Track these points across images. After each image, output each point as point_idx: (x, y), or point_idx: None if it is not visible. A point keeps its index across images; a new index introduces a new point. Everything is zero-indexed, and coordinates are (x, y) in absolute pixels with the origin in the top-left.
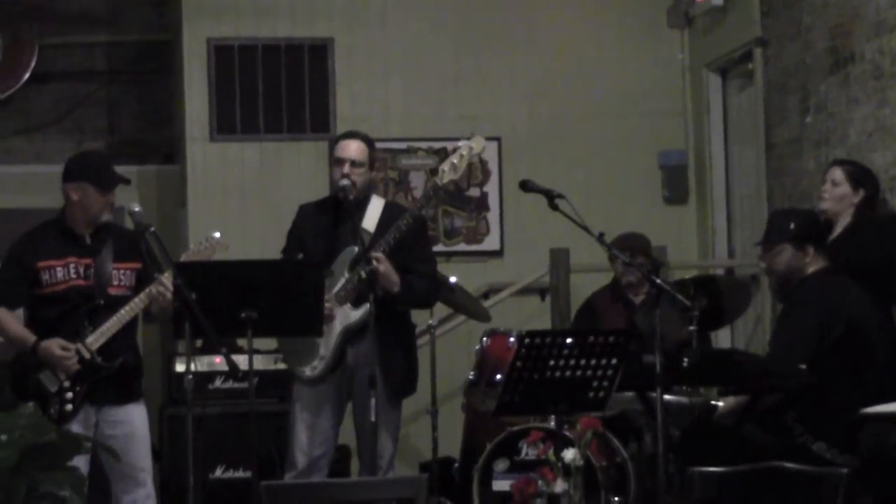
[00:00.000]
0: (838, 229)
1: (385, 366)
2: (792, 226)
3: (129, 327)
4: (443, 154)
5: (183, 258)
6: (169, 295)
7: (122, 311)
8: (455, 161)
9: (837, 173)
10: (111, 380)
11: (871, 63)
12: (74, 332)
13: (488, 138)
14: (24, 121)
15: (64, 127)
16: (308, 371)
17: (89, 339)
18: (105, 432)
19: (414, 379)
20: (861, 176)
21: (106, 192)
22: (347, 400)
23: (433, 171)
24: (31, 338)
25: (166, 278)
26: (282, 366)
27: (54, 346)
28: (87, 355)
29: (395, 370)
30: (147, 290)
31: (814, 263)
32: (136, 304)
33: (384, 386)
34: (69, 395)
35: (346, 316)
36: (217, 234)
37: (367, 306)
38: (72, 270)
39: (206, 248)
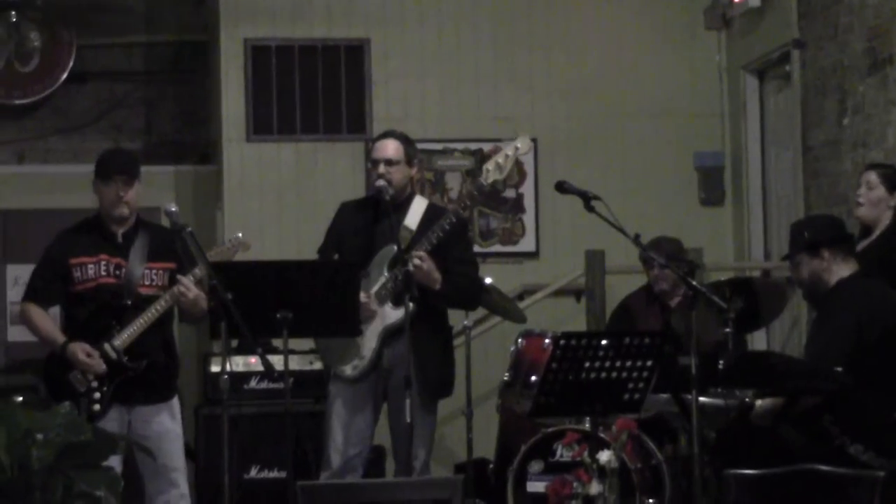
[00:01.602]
0: (877, 232)
1: (420, 367)
2: (805, 234)
3: (159, 327)
4: (479, 155)
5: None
6: (190, 295)
7: (148, 312)
8: (500, 161)
9: (872, 177)
10: (142, 380)
11: None
12: (103, 331)
13: None
14: (62, 121)
15: (101, 127)
16: (349, 370)
17: (116, 340)
18: (138, 432)
19: (450, 382)
20: None
21: (107, 183)
22: (383, 400)
23: (469, 173)
24: (60, 339)
25: (188, 279)
26: (317, 366)
27: (79, 350)
28: (113, 356)
29: (430, 372)
30: (170, 291)
31: (839, 267)
32: (160, 306)
33: (419, 388)
34: (97, 395)
35: (386, 315)
36: (239, 234)
37: (409, 304)
38: (102, 268)
39: (229, 249)
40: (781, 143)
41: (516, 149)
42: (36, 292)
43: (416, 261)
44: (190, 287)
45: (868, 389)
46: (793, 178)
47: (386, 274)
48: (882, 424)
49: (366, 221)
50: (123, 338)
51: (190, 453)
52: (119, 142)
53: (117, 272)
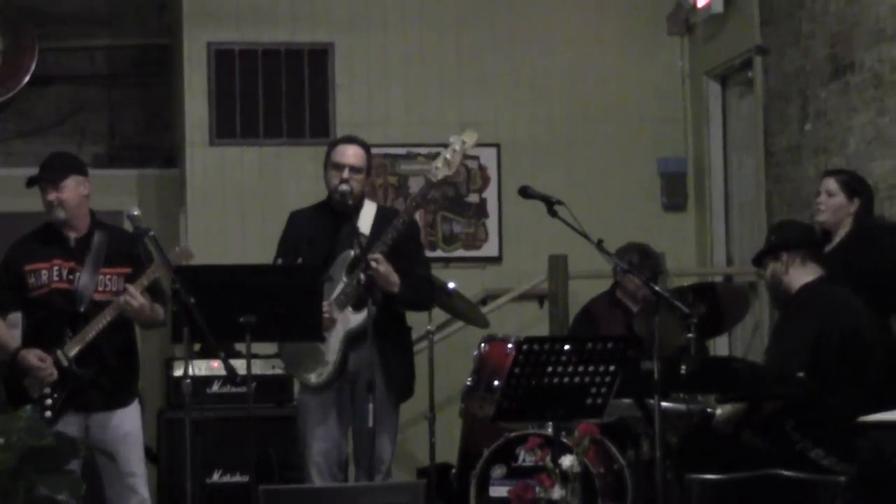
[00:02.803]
0: (837, 239)
1: (386, 370)
2: (772, 237)
3: (116, 332)
4: None
5: (151, 269)
6: (135, 304)
7: (98, 321)
8: (448, 156)
9: (831, 184)
10: (98, 386)
11: (870, 71)
12: (57, 337)
13: (488, 144)
14: (24, 124)
15: (65, 130)
16: (314, 378)
17: (68, 347)
18: (96, 437)
19: (413, 383)
20: (855, 184)
21: (41, 191)
22: (352, 405)
23: None
24: (13, 345)
25: (134, 287)
26: (279, 370)
27: (31, 356)
28: (64, 363)
29: (395, 374)
30: (116, 300)
31: (798, 271)
32: (107, 313)
33: (386, 390)
34: (48, 402)
35: (348, 320)
36: (185, 244)
37: (367, 310)
38: (55, 273)
39: (173, 258)
40: (744, 149)
41: (463, 143)
42: None
43: (374, 264)
44: (136, 296)
45: (829, 394)
46: (755, 183)
47: (345, 279)
48: (843, 429)
49: (321, 228)
50: (75, 345)
51: (153, 457)
52: (82, 145)
53: (70, 277)
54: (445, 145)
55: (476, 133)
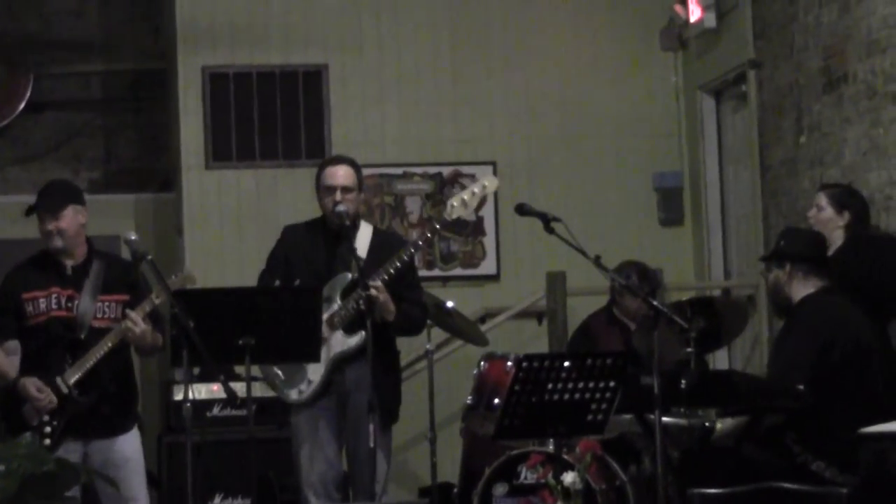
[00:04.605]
0: (830, 251)
1: (376, 391)
2: (781, 242)
3: (114, 358)
4: (438, 179)
5: (155, 293)
6: (137, 330)
7: (99, 347)
8: (466, 198)
9: (822, 198)
10: (96, 413)
11: (863, 83)
12: (56, 364)
13: (483, 163)
14: (21, 150)
15: (61, 156)
16: (294, 395)
17: (68, 374)
18: (96, 464)
19: (398, 407)
20: (844, 198)
21: (39, 220)
22: (343, 423)
23: (428, 196)
24: (12, 373)
25: (136, 314)
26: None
27: (30, 385)
28: (64, 390)
29: (386, 396)
30: (117, 326)
31: (800, 283)
32: (108, 339)
33: (379, 411)
34: (47, 429)
35: (340, 343)
36: (187, 266)
37: (361, 333)
38: (53, 301)
39: (174, 283)
40: (739, 163)
41: (484, 187)
42: None
43: (373, 292)
44: (137, 322)
45: (830, 406)
46: (751, 197)
47: (339, 301)
48: (844, 441)
49: (317, 245)
50: (75, 372)
51: (154, 482)
52: (78, 171)
53: (69, 304)
54: (441, 164)
55: (497, 180)
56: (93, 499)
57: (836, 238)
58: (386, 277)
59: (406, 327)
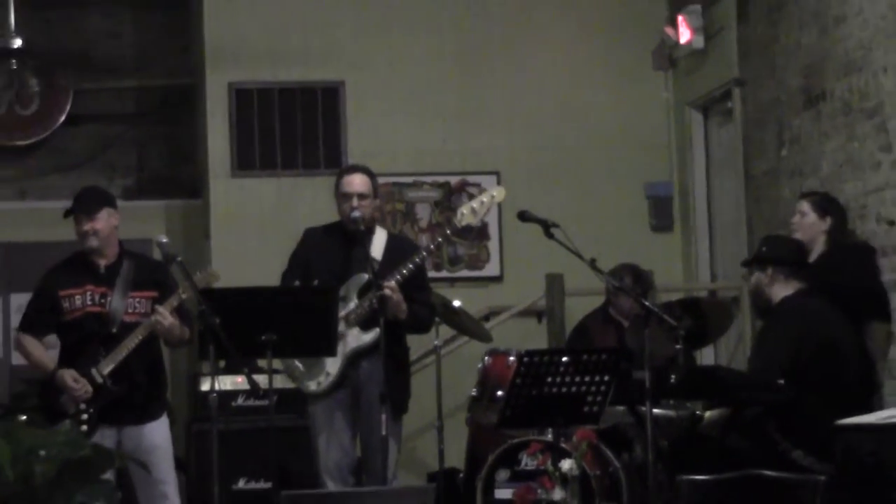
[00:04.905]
0: (813, 256)
1: (389, 384)
2: (763, 248)
3: (144, 351)
4: (447, 187)
5: (182, 289)
6: (166, 323)
7: (130, 340)
8: (475, 206)
9: (804, 205)
10: (128, 401)
11: (840, 100)
12: (91, 357)
13: (488, 172)
14: (60, 160)
15: (97, 165)
16: (313, 386)
17: (102, 365)
18: (128, 449)
19: (407, 399)
20: (826, 204)
21: (75, 222)
22: (357, 414)
23: (437, 203)
24: (50, 365)
25: (164, 308)
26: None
27: (67, 376)
28: (98, 380)
29: (397, 388)
30: (147, 320)
31: (781, 285)
32: (140, 333)
33: (390, 402)
34: (84, 416)
35: (356, 339)
36: (211, 266)
37: (376, 330)
38: (88, 298)
39: (200, 280)
40: (725, 173)
41: (493, 197)
42: (30, 324)
43: (388, 291)
44: (166, 316)
45: (808, 399)
46: (736, 205)
47: (356, 300)
48: (822, 431)
49: (335, 248)
50: (108, 363)
51: (182, 466)
52: (113, 179)
53: (102, 301)
54: (448, 173)
55: (504, 190)
56: (126, 482)
57: (820, 242)
58: (399, 279)
59: (416, 326)
